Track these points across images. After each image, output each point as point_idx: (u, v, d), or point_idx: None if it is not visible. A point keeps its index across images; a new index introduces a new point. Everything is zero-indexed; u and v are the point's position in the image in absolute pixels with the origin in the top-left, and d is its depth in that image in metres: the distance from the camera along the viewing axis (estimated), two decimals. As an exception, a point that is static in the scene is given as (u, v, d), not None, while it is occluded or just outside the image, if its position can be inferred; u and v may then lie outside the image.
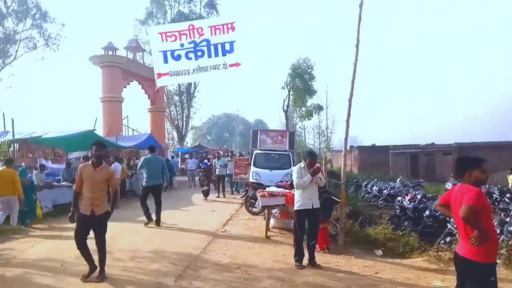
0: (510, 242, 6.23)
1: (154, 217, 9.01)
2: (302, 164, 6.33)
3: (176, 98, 34.29)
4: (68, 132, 12.78)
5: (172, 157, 26.34)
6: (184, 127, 34.55)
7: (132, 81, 25.65)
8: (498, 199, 11.67)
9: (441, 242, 7.24)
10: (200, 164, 16.20)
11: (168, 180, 9.75)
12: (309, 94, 30.08)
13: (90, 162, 5.28)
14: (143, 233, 8.19)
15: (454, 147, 24.60)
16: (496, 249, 3.63)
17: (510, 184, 13.60)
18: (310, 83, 29.53)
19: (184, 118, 34.35)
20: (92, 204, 5.05)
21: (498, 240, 5.56)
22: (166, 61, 7.83)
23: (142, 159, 9.79)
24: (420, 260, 6.59)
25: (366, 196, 15.14)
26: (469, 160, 3.51)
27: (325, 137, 41.58)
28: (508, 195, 11.50)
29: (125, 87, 24.73)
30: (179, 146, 33.81)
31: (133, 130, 24.96)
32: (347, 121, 7.33)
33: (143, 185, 9.26)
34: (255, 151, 15.16)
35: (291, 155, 14.97)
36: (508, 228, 6.79)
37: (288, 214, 8.04)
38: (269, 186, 9.29)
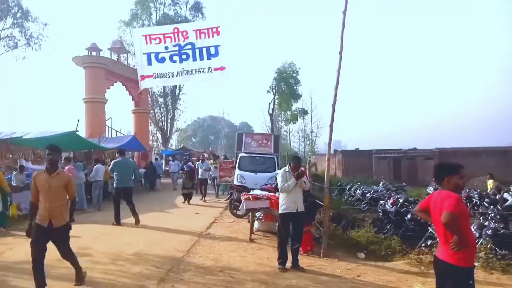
0: (488, 246, 6.38)
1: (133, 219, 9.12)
2: (286, 167, 6.36)
3: (161, 100, 33.99)
4: (49, 133, 12.55)
5: (156, 159, 26.15)
6: (168, 129, 34.31)
7: (116, 82, 25.35)
8: (478, 204, 11.94)
9: (422, 245, 7.37)
10: (184, 167, 16.06)
11: (138, 180, 9.95)
12: (294, 98, 30.27)
13: (44, 168, 4.76)
14: (125, 236, 8.08)
15: (435, 152, 25.08)
16: (474, 253, 3.73)
17: (489, 189, 13.91)
18: (295, 87, 29.73)
19: (169, 120, 34.07)
20: (50, 215, 4.54)
21: (476, 245, 5.69)
22: (150, 63, 7.78)
23: (112, 162, 9.97)
24: (401, 263, 6.69)
25: (350, 199, 15.31)
26: (448, 166, 3.58)
27: (310, 141, 41.92)
28: (487, 199, 11.76)
29: (108, 88, 24.42)
30: (163, 148, 33.54)
31: (116, 131, 24.67)
32: (331, 126, 7.38)
33: (114, 186, 9.49)
34: (240, 154, 15.15)
35: (276, 158, 15.03)
36: (487, 231, 6.94)
37: (272, 217, 8.05)
38: (253, 189, 9.32)
